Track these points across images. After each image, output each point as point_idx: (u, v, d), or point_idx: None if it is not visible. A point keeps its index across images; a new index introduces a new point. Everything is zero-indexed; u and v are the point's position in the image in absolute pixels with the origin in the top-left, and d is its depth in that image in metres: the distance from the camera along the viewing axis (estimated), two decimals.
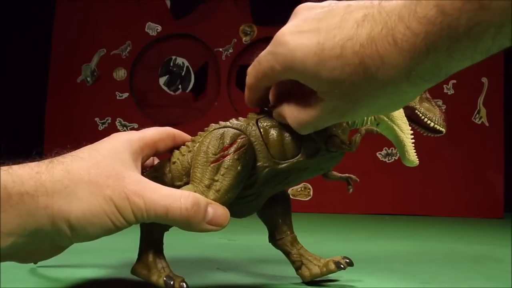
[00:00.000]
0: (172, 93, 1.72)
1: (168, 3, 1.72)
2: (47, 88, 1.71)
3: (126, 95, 1.70)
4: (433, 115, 0.42)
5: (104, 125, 1.69)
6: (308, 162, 0.38)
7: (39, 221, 0.31)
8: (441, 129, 0.42)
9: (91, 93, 1.70)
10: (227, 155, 0.36)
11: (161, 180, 0.39)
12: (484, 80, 1.59)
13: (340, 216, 1.44)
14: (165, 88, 1.72)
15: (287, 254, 0.43)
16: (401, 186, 1.57)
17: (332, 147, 0.38)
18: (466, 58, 0.27)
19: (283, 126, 0.38)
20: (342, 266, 0.42)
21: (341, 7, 0.31)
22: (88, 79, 1.71)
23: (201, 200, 0.35)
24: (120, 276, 0.46)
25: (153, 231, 0.38)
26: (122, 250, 0.57)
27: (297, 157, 0.38)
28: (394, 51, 0.27)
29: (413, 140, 0.42)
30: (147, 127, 0.40)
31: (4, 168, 0.32)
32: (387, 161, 1.59)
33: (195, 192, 0.36)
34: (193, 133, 0.41)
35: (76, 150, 0.35)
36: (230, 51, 1.67)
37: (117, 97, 1.70)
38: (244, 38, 1.67)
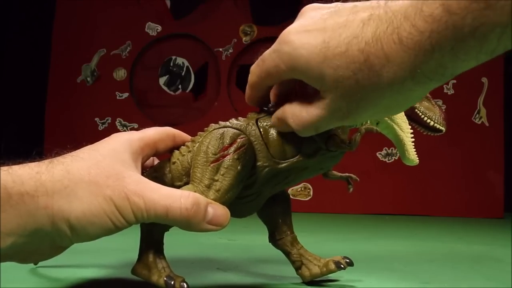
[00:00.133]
0: (172, 93, 1.72)
1: (168, 3, 1.72)
2: (47, 88, 1.71)
3: (126, 95, 1.70)
4: (433, 114, 0.42)
5: (104, 125, 1.69)
6: (308, 161, 0.38)
7: (39, 221, 0.31)
8: (441, 128, 0.42)
9: (91, 93, 1.70)
10: (227, 155, 0.36)
11: (161, 180, 0.39)
12: (484, 80, 1.59)
13: (340, 216, 1.44)
14: (165, 88, 1.72)
15: (287, 254, 0.43)
16: (401, 186, 1.57)
17: (332, 146, 0.38)
18: (471, 58, 0.26)
19: None
20: (342, 266, 0.42)
21: (348, 7, 0.31)
22: (88, 79, 1.71)
23: (201, 200, 0.35)
24: (120, 276, 0.46)
25: (153, 231, 0.38)
26: (122, 250, 0.57)
27: (297, 156, 0.38)
28: (399, 49, 0.27)
29: (413, 139, 0.42)
30: (147, 127, 0.40)
31: (4, 168, 0.32)
32: (387, 161, 1.59)
33: (195, 192, 0.36)
34: (193, 133, 0.41)
35: (76, 150, 0.35)
36: (230, 51, 1.67)
37: (117, 97, 1.70)
38: (244, 38, 1.67)
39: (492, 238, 1.03)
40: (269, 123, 0.39)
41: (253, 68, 0.36)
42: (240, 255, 0.62)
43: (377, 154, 1.59)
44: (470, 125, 1.58)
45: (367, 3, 0.30)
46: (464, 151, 1.57)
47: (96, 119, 1.69)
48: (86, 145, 0.36)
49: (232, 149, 0.37)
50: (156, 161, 0.43)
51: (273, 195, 0.42)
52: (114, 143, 0.36)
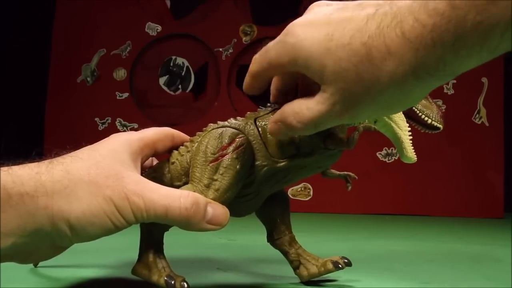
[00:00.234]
0: (172, 93, 1.72)
1: (168, 3, 1.72)
2: (47, 88, 1.71)
3: (126, 95, 1.70)
4: (430, 111, 0.42)
5: (104, 125, 1.69)
6: (306, 160, 0.38)
7: (39, 222, 0.31)
8: (438, 125, 0.42)
9: (91, 93, 1.70)
10: (225, 155, 0.37)
11: (160, 180, 0.39)
12: (484, 80, 1.59)
13: (340, 216, 1.44)
14: (165, 88, 1.72)
15: (285, 253, 0.43)
16: (401, 186, 1.57)
17: (330, 145, 0.38)
18: (473, 55, 0.26)
19: None
20: (340, 266, 0.42)
21: (354, 4, 0.31)
22: (88, 79, 1.71)
23: (201, 199, 0.35)
24: (120, 276, 0.46)
25: (153, 231, 0.38)
26: (122, 250, 0.57)
27: (295, 155, 0.38)
28: (401, 42, 0.27)
29: (411, 137, 0.42)
30: (147, 127, 0.41)
31: (4, 168, 0.32)
32: (387, 161, 1.59)
33: (194, 191, 0.36)
34: (193, 133, 0.41)
35: (76, 151, 0.35)
36: (230, 51, 1.67)
37: (117, 97, 1.70)
38: (244, 38, 1.67)
39: (492, 238, 1.03)
40: (267, 122, 0.39)
41: (255, 57, 0.36)
42: (240, 255, 0.62)
43: (377, 154, 1.59)
44: (470, 125, 1.58)
45: (374, 1, 0.30)
46: (464, 151, 1.57)
47: (96, 119, 1.69)
48: (86, 145, 0.36)
49: (230, 148, 0.37)
50: (155, 162, 0.43)
51: (271, 195, 0.42)
52: (113, 144, 0.36)
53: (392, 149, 1.57)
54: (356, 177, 0.45)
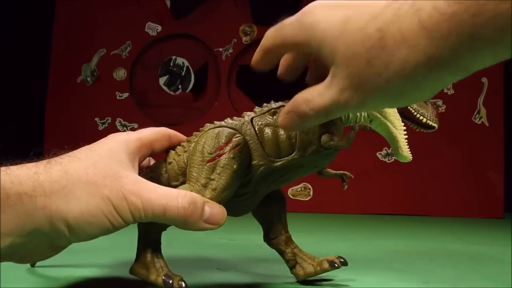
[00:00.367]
0: (172, 93, 1.72)
1: (168, 3, 1.72)
2: (47, 88, 1.71)
3: (126, 95, 1.70)
4: (426, 111, 0.42)
5: (104, 125, 1.69)
6: (303, 159, 0.39)
7: (37, 221, 0.31)
8: (433, 124, 0.42)
9: (91, 93, 1.70)
10: (222, 154, 0.37)
11: (158, 180, 0.39)
12: (484, 80, 1.59)
13: (340, 216, 1.44)
14: (165, 88, 1.72)
15: (281, 253, 0.43)
16: (401, 186, 1.57)
17: (327, 144, 0.38)
18: (488, 50, 0.26)
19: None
20: (336, 265, 0.42)
21: None
22: (88, 79, 1.71)
23: (198, 199, 0.35)
24: (118, 276, 0.46)
25: (150, 230, 0.38)
26: (120, 249, 0.57)
27: (292, 155, 0.38)
28: (416, 30, 0.26)
29: (406, 136, 0.42)
30: (147, 127, 0.41)
31: (2, 168, 0.32)
32: (387, 161, 1.58)
33: (191, 191, 0.36)
34: (193, 133, 0.41)
35: (74, 151, 0.35)
36: (230, 51, 1.67)
37: (117, 97, 1.70)
38: (244, 38, 1.67)
39: (492, 238, 1.03)
40: (264, 122, 0.39)
41: (269, 32, 0.35)
42: (240, 255, 0.62)
43: (377, 154, 1.59)
44: (470, 125, 1.58)
45: None
46: (464, 151, 1.57)
47: (96, 119, 1.69)
48: (84, 145, 0.36)
49: (227, 148, 0.37)
50: (152, 162, 0.43)
51: (268, 195, 0.42)
52: (111, 144, 0.36)
53: (392, 149, 1.57)
54: (352, 176, 0.45)
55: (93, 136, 0.40)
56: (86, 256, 0.53)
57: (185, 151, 0.40)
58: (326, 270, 0.42)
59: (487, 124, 1.58)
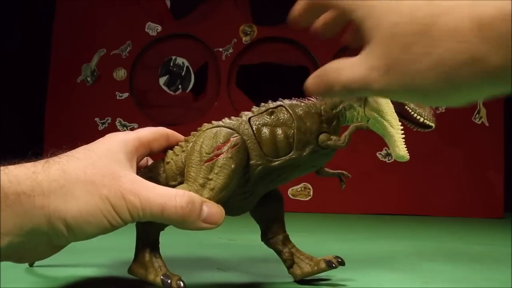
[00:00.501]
0: (172, 93, 1.72)
1: (168, 3, 1.72)
2: (47, 88, 1.71)
3: (126, 95, 1.70)
4: (423, 110, 0.42)
5: (104, 125, 1.69)
6: (301, 159, 0.39)
7: (36, 221, 0.31)
8: (430, 124, 0.42)
9: (91, 93, 1.70)
10: (220, 154, 0.37)
11: (156, 180, 0.39)
12: None
13: (340, 216, 1.44)
14: (165, 88, 1.72)
15: (279, 252, 0.43)
16: (401, 186, 1.56)
17: (324, 143, 0.38)
18: None
19: (275, 124, 0.39)
20: (333, 265, 0.42)
21: None
22: (88, 79, 1.71)
23: (196, 198, 0.35)
24: (117, 276, 0.46)
25: (149, 230, 0.38)
26: (118, 249, 0.57)
27: (290, 154, 0.39)
28: (468, 24, 0.24)
29: (403, 135, 0.42)
30: (147, 127, 0.41)
31: (1, 168, 0.32)
32: (387, 161, 1.58)
33: (189, 191, 0.36)
34: (191, 133, 0.41)
35: (72, 151, 0.35)
36: (230, 51, 1.67)
37: (117, 97, 1.70)
38: (244, 38, 1.67)
39: (492, 238, 1.03)
40: (261, 121, 0.39)
41: None
42: (240, 255, 0.62)
43: (377, 154, 1.59)
44: (470, 125, 1.58)
45: None
46: (464, 151, 1.57)
47: (96, 119, 1.69)
48: (82, 145, 0.36)
49: (225, 148, 0.37)
50: (150, 161, 0.43)
51: (266, 194, 0.42)
52: (109, 143, 0.36)
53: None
54: (350, 176, 0.45)
55: (93, 136, 0.40)
56: (84, 255, 0.53)
57: (183, 151, 0.40)
58: (323, 270, 0.42)
59: (487, 124, 1.58)
